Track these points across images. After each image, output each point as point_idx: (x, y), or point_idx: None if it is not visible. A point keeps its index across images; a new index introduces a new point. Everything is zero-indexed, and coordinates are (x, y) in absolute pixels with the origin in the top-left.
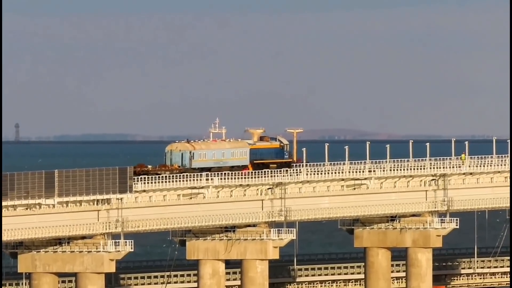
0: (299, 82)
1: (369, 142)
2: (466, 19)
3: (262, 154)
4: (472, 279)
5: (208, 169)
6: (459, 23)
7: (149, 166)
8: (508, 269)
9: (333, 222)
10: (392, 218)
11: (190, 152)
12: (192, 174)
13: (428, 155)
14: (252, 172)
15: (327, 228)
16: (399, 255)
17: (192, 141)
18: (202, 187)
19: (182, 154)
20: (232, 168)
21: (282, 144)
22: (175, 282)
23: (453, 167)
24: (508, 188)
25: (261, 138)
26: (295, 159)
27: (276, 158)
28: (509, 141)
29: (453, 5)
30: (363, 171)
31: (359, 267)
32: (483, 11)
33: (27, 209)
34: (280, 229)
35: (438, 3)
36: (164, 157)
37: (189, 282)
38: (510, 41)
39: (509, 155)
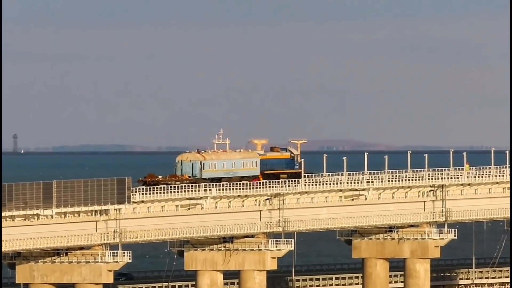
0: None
1: (367, 153)
2: (464, 29)
3: (272, 165)
4: None
5: (219, 179)
6: (457, 33)
7: (160, 176)
8: (506, 280)
9: (331, 232)
10: (390, 228)
11: (201, 163)
12: (190, 185)
13: (426, 166)
14: (253, 183)
15: (325, 239)
16: (397, 265)
17: (202, 151)
18: (200, 198)
19: (192, 164)
20: (242, 178)
21: (292, 155)
22: None
23: (451, 178)
24: (506, 199)
25: (272, 149)
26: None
27: (287, 168)
28: (508, 152)
29: (453, 15)
30: (361, 182)
31: (357, 277)
32: (482, 20)
33: (25, 219)
34: (278, 239)
35: (440, 13)
36: (174, 167)
37: None
38: (510, 52)
39: (508, 166)
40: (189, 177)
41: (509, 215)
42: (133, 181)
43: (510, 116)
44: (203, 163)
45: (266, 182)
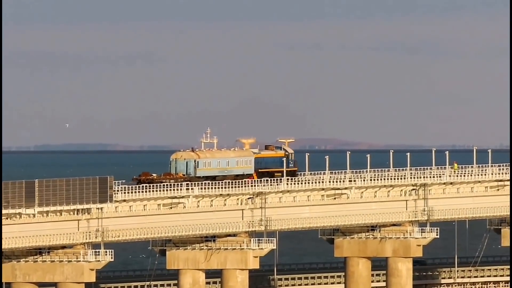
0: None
1: (349, 152)
2: (447, 29)
3: (267, 163)
4: None
5: (213, 178)
6: (439, 32)
7: (154, 175)
8: (488, 279)
9: (314, 231)
10: (373, 227)
11: (195, 161)
12: (171, 184)
13: (408, 165)
14: (232, 182)
15: (307, 238)
16: (380, 264)
17: (197, 149)
18: (183, 197)
19: (187, 162)
20: (237, 176)
21: (287, 153)
22: None
23: (433, 177)
24: (489, 197)
25: (266, 147)
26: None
27: (281, 167)
28: (489, 151)
29: (437, 15)
30: (343, 181)
31: (339, 276)
32: (463, 19)
33: (7, 218)
34: (260, 238)
35: (417, 13)
36: (169, 165)
37: None
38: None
39: (490, 164)
40: (184, 175)
41: (491, 214)
42: (117, 179)
43: (510, 116)
44: (198, 162)
45: (256, 180)
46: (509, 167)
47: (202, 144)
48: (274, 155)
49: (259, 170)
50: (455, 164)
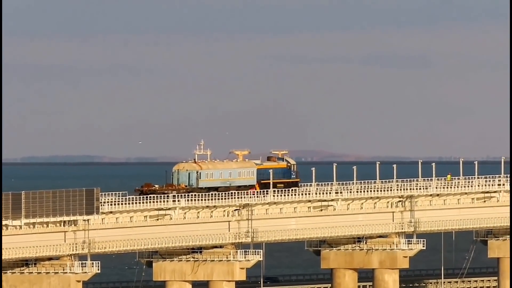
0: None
1: (336, 164)
2: (433, 41)
3: (269, 174)
4: None
5: (215, 189)
6: (426, 44)
7: (156, 186)
8: None
9: (300, 243)
10: (359, 239)
11: (197, 172)
12: (158, 195)
13: (395, 177)
14: (220, 194)
15: (294, 249)
16: (366, 276)
17: (199, 161)
18: (169, 209)
19: (189, 173)
20: (239, 187)
21: (289, 164)
22: None
23: (420, 189)
24: (475, 209)
25: (268, 158)
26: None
27: (284, 178)
28: (476, 162)
29: (424, 27)
30: (330, 193)
31: None
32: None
33: None
34: (247, 250)
35: (403, 26)
36: (171, 176)
37: None
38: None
39: (509, 174)
40: (186, 186)
41: (478, 226)
42: (103, 190)
43: (510, 124)
44: (200, 173)
45: (235, 192)
46: (495, 179)
47: (196, 156)
48: (276, 166)
49: (262, 181)
50: (449, 176)
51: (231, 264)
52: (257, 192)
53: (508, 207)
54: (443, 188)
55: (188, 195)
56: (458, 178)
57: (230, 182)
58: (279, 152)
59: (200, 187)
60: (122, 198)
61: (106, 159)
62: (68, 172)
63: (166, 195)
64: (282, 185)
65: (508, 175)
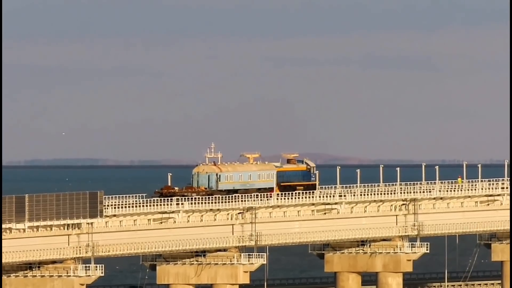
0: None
1: (339, 167)
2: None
3: (289, 177)
4: None
5: (235, 191)
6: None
7: (176, 188)
8: None
9: (304, 246)
10: (363, 242)
11: (217, 174)
12: (162, 198)
13: (398, 180)
14: (222, 197)
15: (297, 253)
16: (370, 279)
17: (219, 163)
18: (173, 212)
19: (208, 176)
20: (259, 190)
21: (308, 167)
22: None
23: (423, 192)
24: (479, 212)
25: (288, 161)
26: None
27: (303, 180)
28: (479, 165)
29: (427, 30)
30: (333, 196)
31: None
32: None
33: None
34: (251, 253)
35: (405, 28)
36: (191, 179)
37: None
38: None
39: (480, 179)
40: (206, 188)
41: (481, 229)
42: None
43: (510, 126)
44: (219, 175)
45: (238, 196)
46: (498, 182)
47: (207, 159)
48: (295, 168)
49: (281, 184)
50: (459, 179)
51: (234, 267)
52: (278, 194)
53: None
54: (447, 191)
55: (192, 199)
56: (463, 182)
57: (250, 184)
58: (290, 155)
59: (220, 190)
60: (125, 201)
61: (110, 162)
62: (72, 175)
63: (185, 197)
64: (302, 187)
65: None
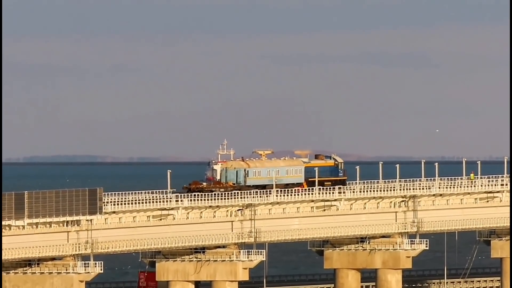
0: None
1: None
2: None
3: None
4: None
5: (263, 187)
6: (428, 43)
7: (204, 184)
8: None
9: (303, 243)
10: (362, 239)
11: (245, 170)
12: (161, 195)
13: (398, 177)
14: (223, 194)
15: (297, 249)
16: (369, 276)
17: (247, 159)
18: (172, 209)
19: (237, 171)
20: (287, 185)
21: (336, 162)
22: None
23: (423, 189)
24: (478, 209)
25: (316, 156)
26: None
27: (331, 176)
28: (479, 162)
29: (426, 27)
30: (333, 193)
31: None
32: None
33: None
34: (250, 250)
35: (405, 25)
36: (220, 174)
37: None
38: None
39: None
40: (234, 184)
41: (480, 226)
42: (105, 191)
43: (510, 124)
44: (248, 171)
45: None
46: (498, 179)
47: (219, 156)
48: (323, 164)
49: (309, 179)
50: (472, 174)
51: (234, 264)
52: (305, 189)
53: None
54: (446, 188)
55: (192, 195)
56: (461, 178)
57: (278, 180)
58: (301, 152)
59: (248, 185)
60: (125, 198)
61: (109, 159)
62: (71, 172)
63: (213, 193)
64: (330, 183)
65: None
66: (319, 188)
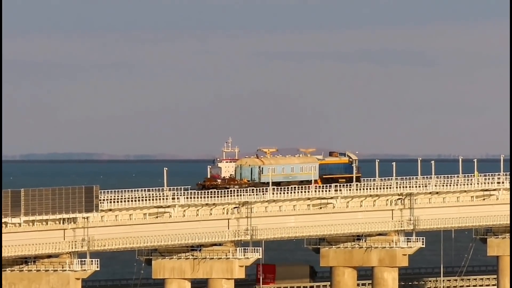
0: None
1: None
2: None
3: (331, 169)
4: None
5: (278, 184)
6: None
7: (219, 180)
8: None
9: (299, 241)
10: (358, 237)
11: (259, 167)
12: (158, 193)
13: (394, 174)
14: (218, 191)
15: (293, 247)
16: (365, 274)
17: (262, 156)
18: (168, 206)
19: (251, 169)
20: (301, 182)
21: (351, 160)
22: None
23: (419, 187)
24: (474, 207)
25: (330, 154)
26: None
27: (345, 173)
28: (475, 160)
29: (422, 25)
30: (329, 190)
31: (325, 286)
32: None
33: None
34: (246, 248)
35: (402, 23)
36: (233, 171)
37: None
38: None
39: (509, 172)
40: (248, 181)
41: (477, 224)
42: (101, 188)
43: (510, 122)
44: (262, 168)
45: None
46: (494, 177)
47: (223, 154)
48: (338, 161)
49: (324, 176)
50: (476, 172)
51: (230, 262)
52: (319, 187)
53: (508, 205)
54: (443, 186)
55: (188, 193)
56: (457, 176)
57: (292, 177)
58: (306, 150)
59: (262, 182)
60: (121, 196)
61: (105, 156)
62: (68, 170)
63: (228, 189)
64: (344, 180)
65: (508, 173)
66: (316, 186)
